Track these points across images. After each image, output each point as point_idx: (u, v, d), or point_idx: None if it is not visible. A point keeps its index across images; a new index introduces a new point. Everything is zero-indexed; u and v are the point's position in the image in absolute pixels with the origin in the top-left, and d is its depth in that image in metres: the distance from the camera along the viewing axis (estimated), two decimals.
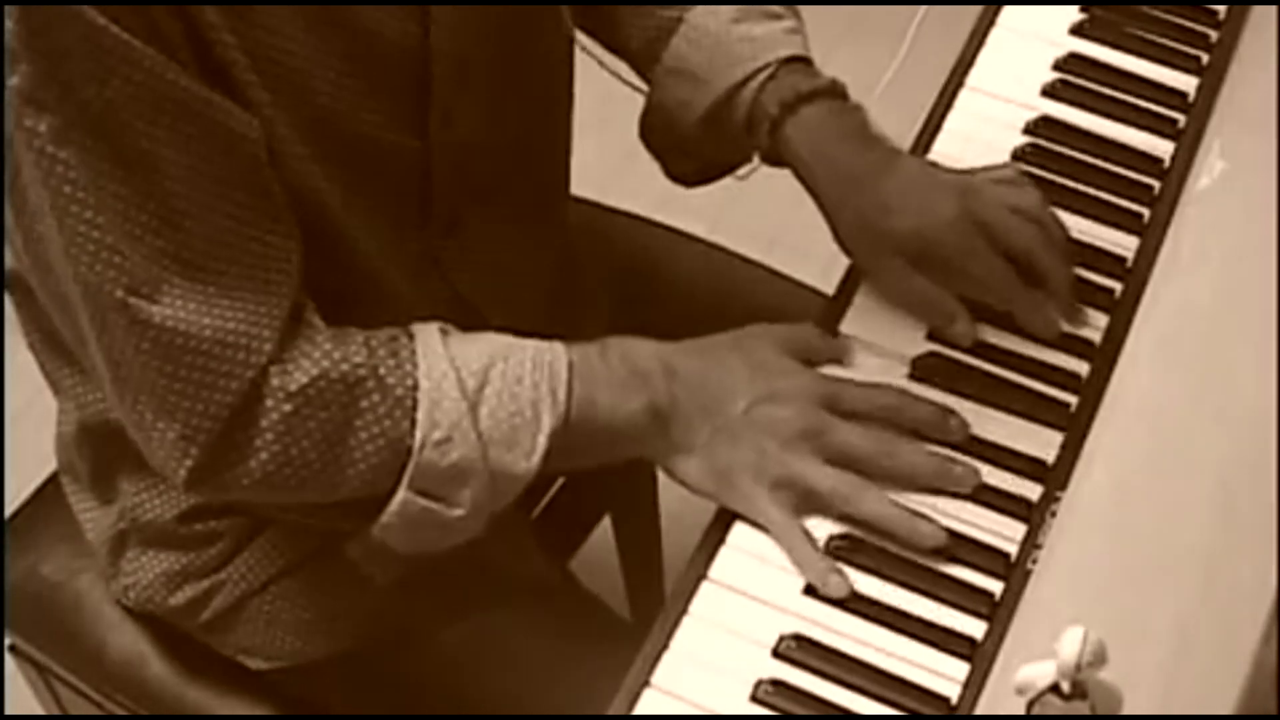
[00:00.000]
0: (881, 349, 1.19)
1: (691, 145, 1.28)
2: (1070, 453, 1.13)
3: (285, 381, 1.07)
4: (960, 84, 1.33)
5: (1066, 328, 1.19)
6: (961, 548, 1.09)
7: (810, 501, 1.10)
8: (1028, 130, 1.31)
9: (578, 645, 1.27)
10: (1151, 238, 1.24)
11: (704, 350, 1.16)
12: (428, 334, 1.12)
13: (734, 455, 1.12)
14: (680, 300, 1.46)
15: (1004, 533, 1.10)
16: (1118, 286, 1.22)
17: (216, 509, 1.25)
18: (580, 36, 1.28)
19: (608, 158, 1.66)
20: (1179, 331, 1.17)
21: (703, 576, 1.09)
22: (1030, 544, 1.09)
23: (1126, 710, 0.96)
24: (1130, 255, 1.23)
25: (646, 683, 1.05)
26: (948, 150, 1.29)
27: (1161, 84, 1.34)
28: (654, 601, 1.69)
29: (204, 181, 1.03)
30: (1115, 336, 1.18)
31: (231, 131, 1.03)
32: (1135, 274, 1.22)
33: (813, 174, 1.21)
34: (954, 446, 1.13)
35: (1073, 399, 1.16)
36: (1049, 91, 1.33)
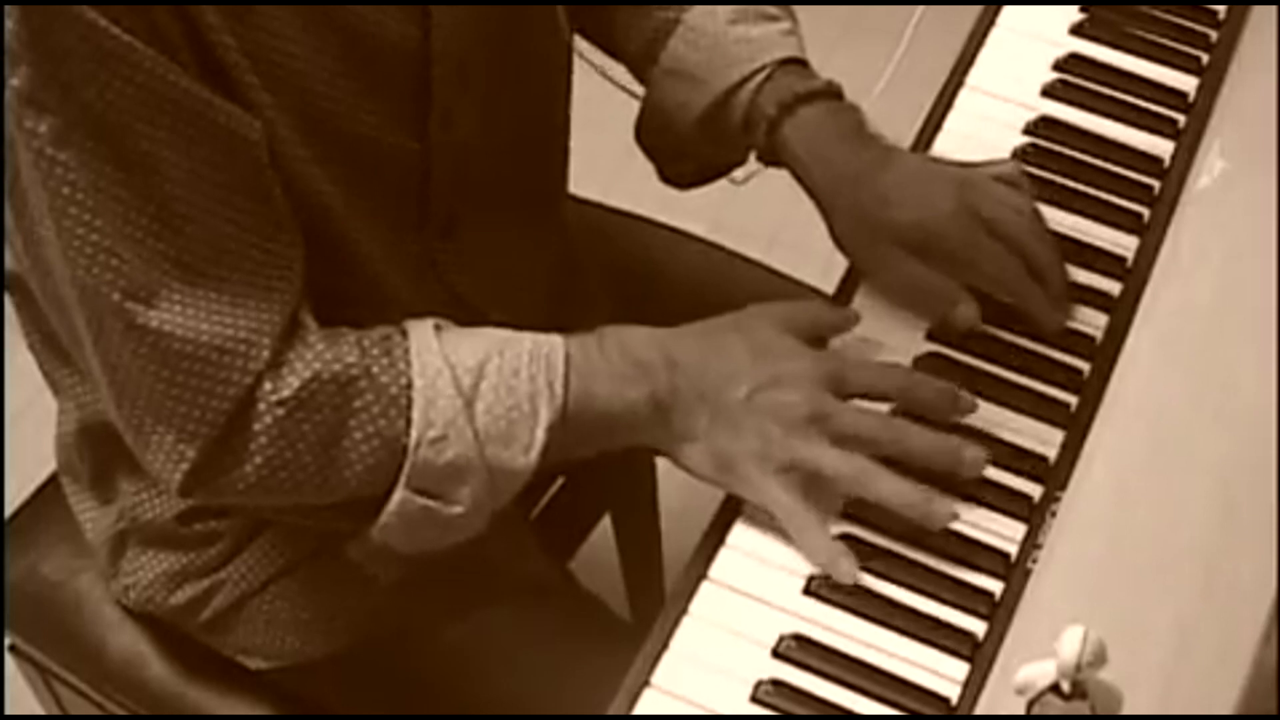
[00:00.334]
0: (881, 349, 1.18)
1: (688, 146, 1.28)
2: (1070, 452, 1.13)
3: (278, 385, 1.07)
4: (960, 84, 1.34)
5: (1070, 320, 1.19)
6: (961, 547, 1.09)
7: (818, 485, 1.09)
8: (1028, 130, 1.31)
9: (578, 645, 1.27)
10: (1151, 238, 1.24)
11: (704, 335, 1.15)
12: (422, 331, 1.11)
13: (738, 442, 1.11)
14: (680, 300, 1.45)
15: (1004, 533, 1.10)
16: (1118, 286, 1.22)
17: (216, 509, 1.25)
18: (575, 42, 1.28)
19: (608, 158, 1.65)
20: (1179, 331, 1.17)
21: (703, 576, 1.09)
22: (1030, 544, 1.09)
23: (1126, 710, 0.96)
24: (1130, 255, 1.23)
25: (646, 683, 1.05)
26: (948, 150, 1.29)
27: (1161, 84, 1.34)
28: (654, 601, 1.69)
29: (205, 185, 1.03)
30: (1115, 336, 1.18)
31: (233, 134, 1.03)
32: (1135, 274, 1.22)
33: (810, 174, 1.21)
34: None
35: (1073, 399, 1.16)
36: (1049, 91, 1.33)
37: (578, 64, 1.29)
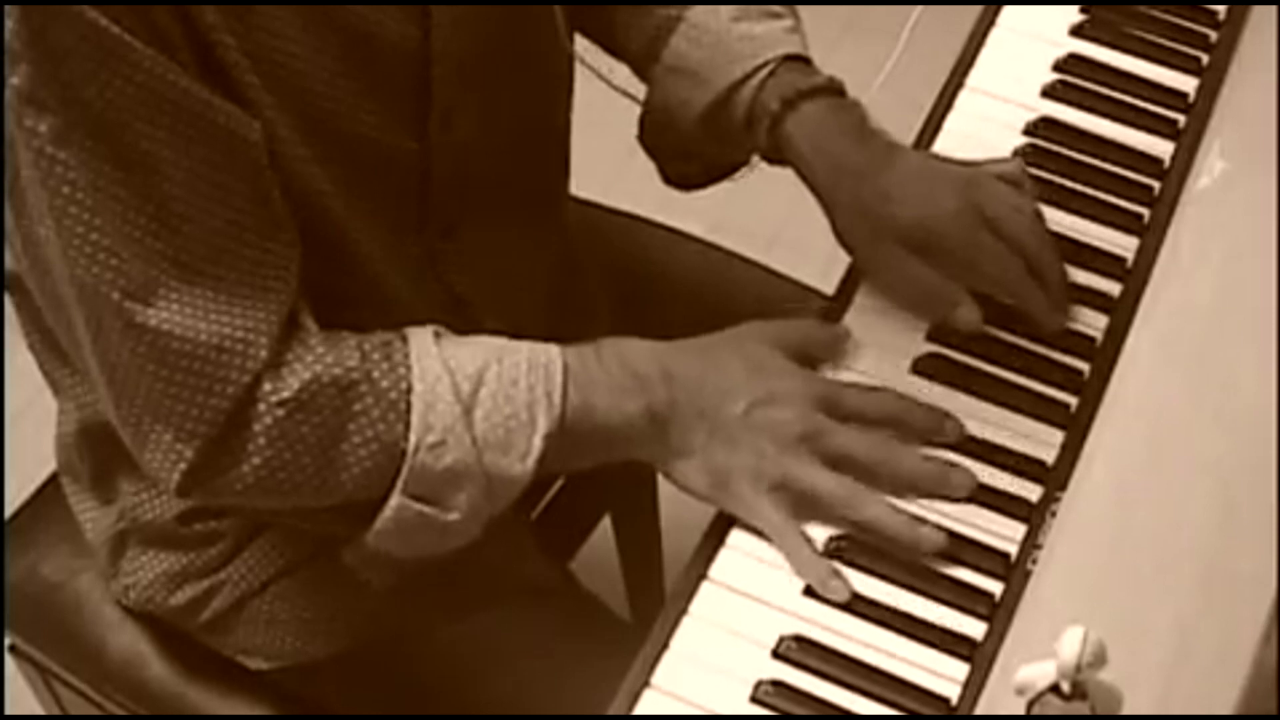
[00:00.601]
0: (882, 349, 1.19)
1: (691, 144, 1.28)
2: (1070, 453, 1.13)
3: (278, 386, 1.07)
4: (960, 84, 1.34)
5: (1070, 321, 1.19)
6: (961, 548, 1.09)
7: (808, 505, 1.10)
8: (1028, 131, 1.31)
9: (578, 645, 1.27)
10: (1151, 238, 1.24)
11: (701, 351, 1.15)
12: (421, 337, 1.11)
13: (732, 458, 1.11)
14: (680, 300, 1.46)
15: (1004, 533, 1.10)
16: (1118, 286, 1.22)
17: (216, 509, 1.25)
18: (575, 45, 1.28)
19: (608, 158, 1.65)
20: (1179, 331, 1.17)
21: (703, 576, 1.09)
22: (1030, 544, 1.09)
23: (1126, 710, 0.96)
24: (1130, 255, 1.23)
25: (646, 683, 1.05)
26: (947, 151, 1.29)
27: (1161, 84, 1.34)
28: (654, 601, 1.69)
29: (203, 185, 1.03)
30: (1115, 336, 1.18)
31: (232, 134, 1.03)
32: (1135, 274, 1.22)
33: (813, 169, 1.21)
34: (953, 447, 1.13)
35: (1073, 399, 1.16)
36: (1049, 92, 1.33)
37: (578, 66, 1.29)
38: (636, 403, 1.12)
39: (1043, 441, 1.14)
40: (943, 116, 1.31)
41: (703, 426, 1.12)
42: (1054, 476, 1.12)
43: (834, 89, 1.22)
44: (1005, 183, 1.20)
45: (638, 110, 1.29)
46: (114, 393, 1.07)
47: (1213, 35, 1.37)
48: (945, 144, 1.29)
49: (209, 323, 1.05)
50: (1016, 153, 1.29)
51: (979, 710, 1.02)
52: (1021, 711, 0.96)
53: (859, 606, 1.07)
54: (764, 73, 1.21)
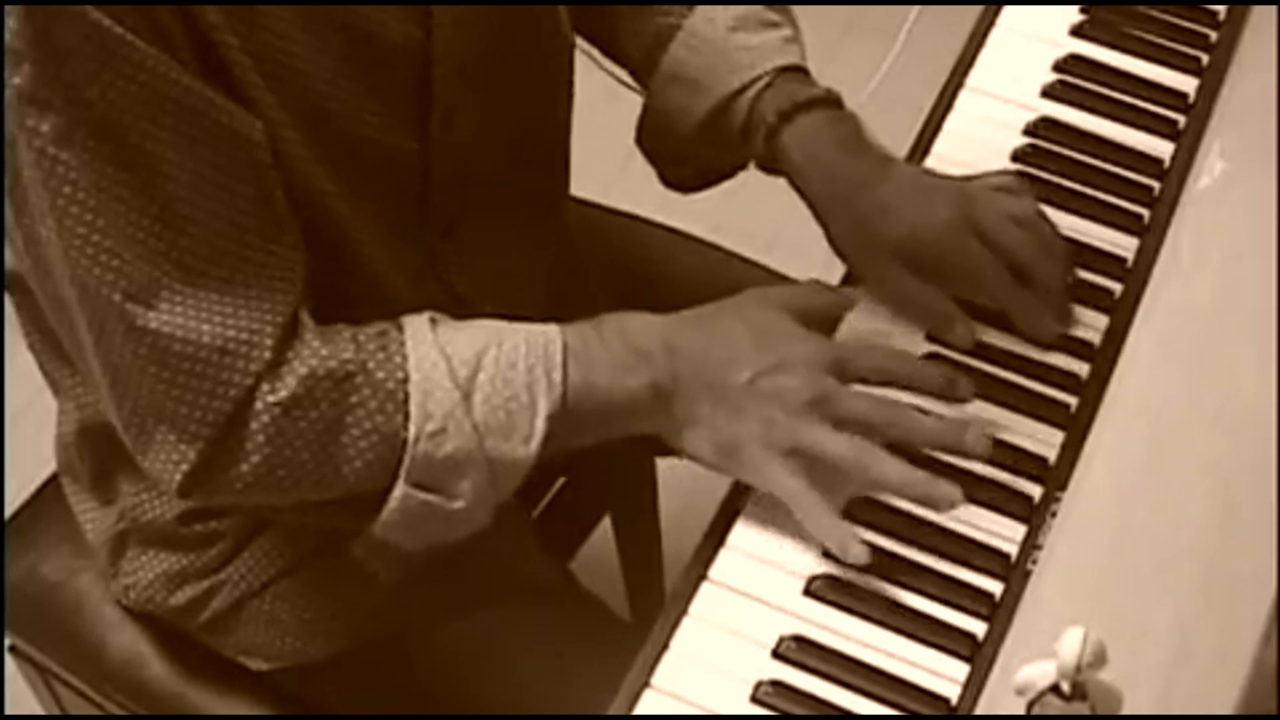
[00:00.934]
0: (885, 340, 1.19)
1: (688, 151, 1.28)
2: (1070, 453, 1.13)
3: (275, 386, 1.06)
4: (960, 84, 1.34)
5: (1065, 329, 1.19)
6: (961, 548, 1.09)
7: (822, 468, 1.09)
8: (1027, 131, 1.31)
9: (578, 645, 1.27)
10: (1151, 238, 1.24)
11: (703, 321, 1.14)
12: (417, 325, 1.11)
13: (742, 427, 1.10)
14: (680, 301, 1.45)
15: (1004, 533, 1.10)
16: (1118, 287, 1.22)
17: (216, 509, 1.25)
18: (579, 39, 1.28)
19: (608, 158, 1.65)
20: (1179, 331, 1.17)
21: (703, 577, 1.09)
22: (1030, 544, 1.09)
23: (1126, 710, 0.96)
24: (1130, 256, 1.23)
25: (646, 683, 1.05)
26: (947, 150, 1.29)
27: (1161, 84, 1.34)
28: (654, 601, 1.69)
29: (206, 185, 1.03)
30: (1115, 336, 1.18)
31: (235, 134, 1.03)
32: (1135, 274, 1.22)
33: (808, 181, 1.21)
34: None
35: (1073, 399, 1.16)
36: (1049, 92, 1.33)
37: (579, 66, 1.29)
38: (639, 378, 1.11)
39: (1043, 441, 1.14)
40: (943, 116, 1.31)
41: (707, 396, 1.11)
42: (1054, 476, 1.12)
43: (830, 101, 1.23)
44: (1003, 193, 1.20)
45: (638, 110, 1.29)
46: (116, 394, 1.07)
47: (1213, 35, 1.37)
48: (945, 144, 1.30)
49: (211, 324, 1.05)
50: (1016, 153, 1.29)
51: (979, 710, 1.02)
52: (1021, 711, 0.96)
53: (859, 606, 1.07)
54: (761, 84, 1.22)
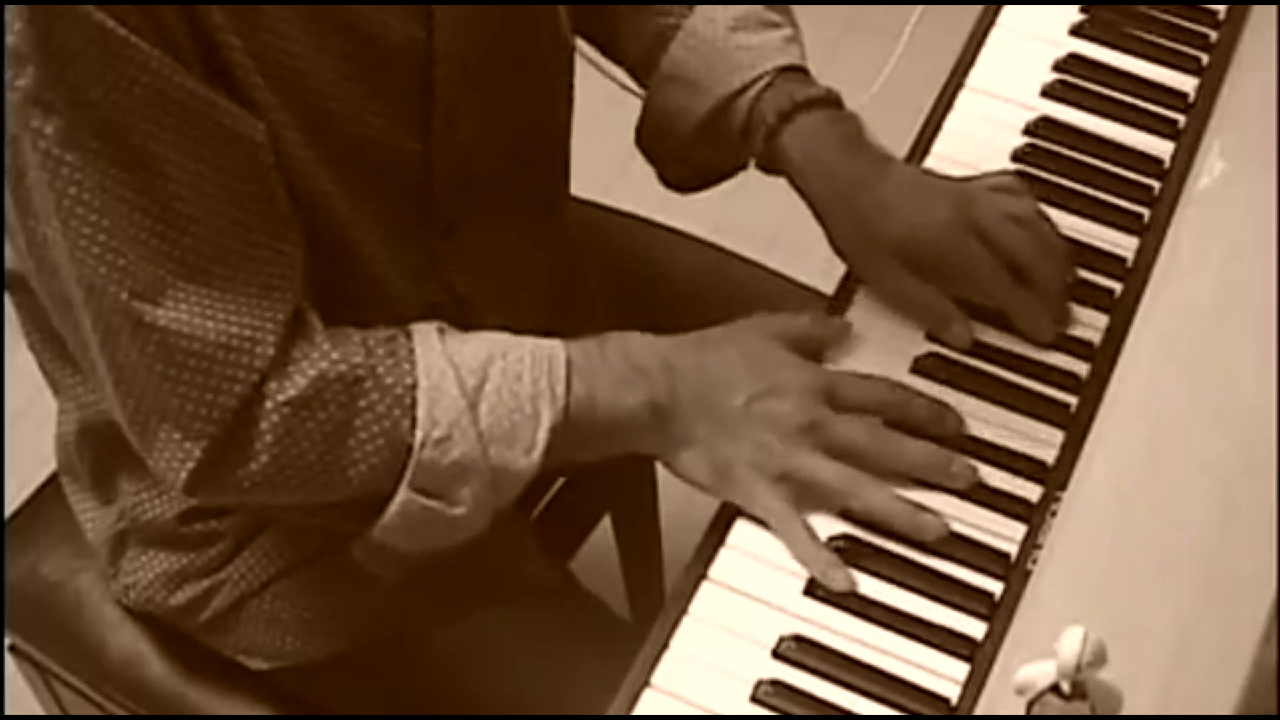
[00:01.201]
0: (882, 349, 1.19)
1: (688, 151, 1.28)
2: (1070, 453, 1.13)
3: (284, 385, 1.07)
4: (960, 84, 1.34)
5: (1065, 329, 1.19)
6: (961, 548, 1.09)
7: (811, 494, 1.10)
8: (1027, 131, 1.31)
9: (577, 645, 1.27)
10: (1151, 238, 1.24)
11: (703, 344, 1.16)
12: (425, 333, 1.12)
13: (734, 449, 1.12)
14: (680, 301, 1.46)
15: (1004, 533, 1.10)
16: (1118, 286, 1.22)
17: (216, 509, 1.25)
18: (579, 43, 1.28)
19: (608, 158, 1.65)
20: (1179, 331, 1.17)
21: (703, 576, 1.09)
22: (1030, 544, 1.09)
23: (1126, 710, 0.96)
24: (1130, 255, 1.23)
25: (646, 683, 1.05)
26: (948, 150, 1.29)
27: (1161, 84, 1.34)
28: (654, 601, 1.69)
29: (209, 185, 1.03)
30: (1115, 336, 1.18)
31: (237, 135, 1.04)
32: (1135, 274, 1.22)
33: (808, 181, 1.21)
34: (954, 446, 1.13)
35: (1073, 399, 1.16)
36: (1049, 92, 1.33)
37: (579, 66, 1.29)
38: (638, 395, 1.12)
39: (1043, 441, 1.14)
40: (943, 116, 1.31)
41: (704, 418, 1.12)
42: (1054, 476, 1.12)
43: (830, 101, 1.23)
44: (1002, 193, 1.20)
45: (638, 111, 1.29)
46: (121, 392, 1.08)
47: (1213, 35, 1.37)
48: (945, 144, 1.30)
49: (216, 322, 1.05)
50: (1016, 152, 1.29)
51: (979, 710, 1.02)
52: (1021, 711, 0.96)
53: (859, 606, 1.07)
54: (761, 84, 1.22)
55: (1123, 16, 1.37)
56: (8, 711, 1.79)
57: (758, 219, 1.94)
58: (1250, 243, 1.20)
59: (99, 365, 1.08)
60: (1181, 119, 1.32)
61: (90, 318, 1.05)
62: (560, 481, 1.49)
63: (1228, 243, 1.21)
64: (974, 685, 1.04)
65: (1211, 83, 1.33)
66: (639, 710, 1.04)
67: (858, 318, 1.21)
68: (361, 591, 1.26)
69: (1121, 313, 1.20)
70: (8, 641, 1.42)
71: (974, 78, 1.34)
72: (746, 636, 1.06)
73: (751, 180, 1.31)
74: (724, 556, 1.10)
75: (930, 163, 1.28)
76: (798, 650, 1.06)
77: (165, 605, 1.30)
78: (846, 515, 1.11)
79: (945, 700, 1.04)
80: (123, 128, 1.00)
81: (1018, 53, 1.36)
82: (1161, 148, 1.30)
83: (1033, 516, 1.10)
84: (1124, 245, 1.24)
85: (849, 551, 1.09)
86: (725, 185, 1.34)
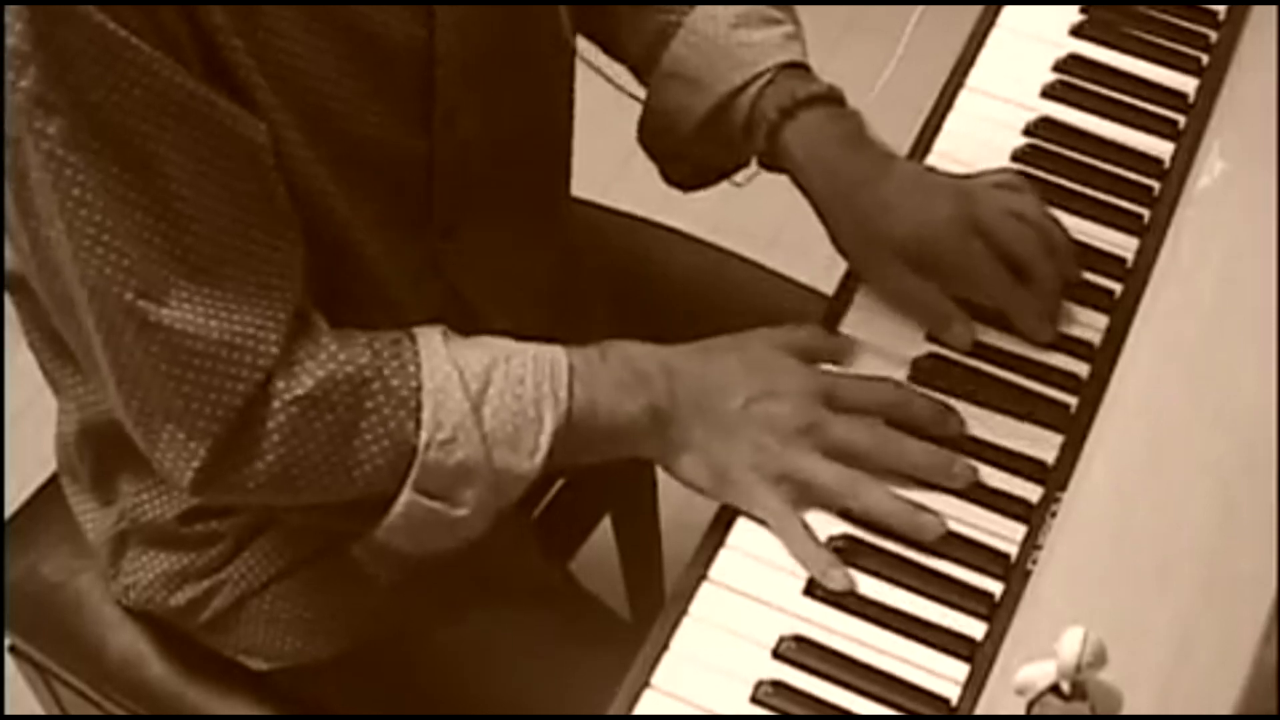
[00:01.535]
0: (882, 349, 1.19)
1: (689, 149, 1.28)
2: (1070, 453, 1.13)
3: (291, 384, 1.07)
4: (960, 84, 1.34)
5: (1066, 329, 1.19)
6: (961, 548, 1.09)
7: (810, 496, 1.11)
8: (1027, 131, 1.31)
9: (577, 646, 1.27)
10: (1151, 238, 1.24)
11: (702, 350, 1.16)
12: (429, 336, 1.12)
13: (733, 452, 1.12)
14: (680, 301, 1.46)
15: (1004, 533, 1.10)
16: (1118, 287, 1.22)
17: (217, 509, 1.25)
18: (581, 42, 1.28)
19: (608, 159, 1.66)
20: (1179, 331, 1.17)
21: (703, 577, 1.09)
22: (1030, 544, 1.09)
23: (1126, 710, 0.96)
24: (1130, 256, 1.23)
25: (646, 683, 1.05)
26: (948, 150, 1.29)
27: (1161, 84, 1.34)
28: (654, 601, 1.69)
29: (210, 185, 1.03)
30: (1115, 336, 1.18)
31: (238, 135, 1.04)
32: (1135, 274, 1.22)
33: (810, 178, 1.21)
34: (954, 447, 1.13)
35: (1073, 399, 1.16)
36: (1049, 92, 1.33)
37: (579, 66, 1.29)
38: (638, 400, 1.12)
39: (1043, 441, 1.14)
40: (943, 116, 1.31)
41: (702, 421, 1.13)
42: (1054, 476, 1.12)
43: (832, 97, 1.23)
44: (1004, 190, 1.20)
45: (638, 111, 1.29)
46: (125, 392, 1.08)
47: (1213, 35, 1.37)
48: (945, 144, 1.30)
49: (220, 320, 1.05)
50: (1016, 152, 1.29)
51: (979, 710, 1.02)
52: (1021, 711, 0.96)
53: (859, 606, 1.07)
54: (762, 81, 1.22)
55: (1123, 17, 1.37)
56: (8, 711, 1.79)
57: (758, 219, 1.94)
58: (1250, 243, 1.20)
59: (102, 365, 1.08)
60: (1181, 119, 1.31)
61: (93, 318, 1.05)
62: (560, 482, 1.49)
63: (1228, 243, 1.21)
64: (974, 685, 1.04)
65: (1211, 83, 1.33)
66: (639, 710, 1.04)
67: (858, 318, 1.21)
68: (361, 591, 1.26)
69: (1121, 313, 1.20)
70: (8, 641, 1.42)
71: (974, 78, 1.34)
72: (746, 637, 1.07)
73: (752, 181, 1.31)
74: (724, 557, 1.10)
75: (930, 162, 1.28)
76: (798, 650, 1.06)
77: (165, 605, 1.30)
78: (846, 515, 1.11)
79: (945, 700, 1.04)
80: (124, 129, 1.00)
81: (1018, 53, 1.36)
82: (1161, 148, 1.30)
83: (1033, 516, 1.10)
84: (1124, 246, 1.24)
85: (848, 551, 1.09)
86: (725, 185, 1.34)
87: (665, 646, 1.06)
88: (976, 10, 1.39)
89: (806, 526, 1.10)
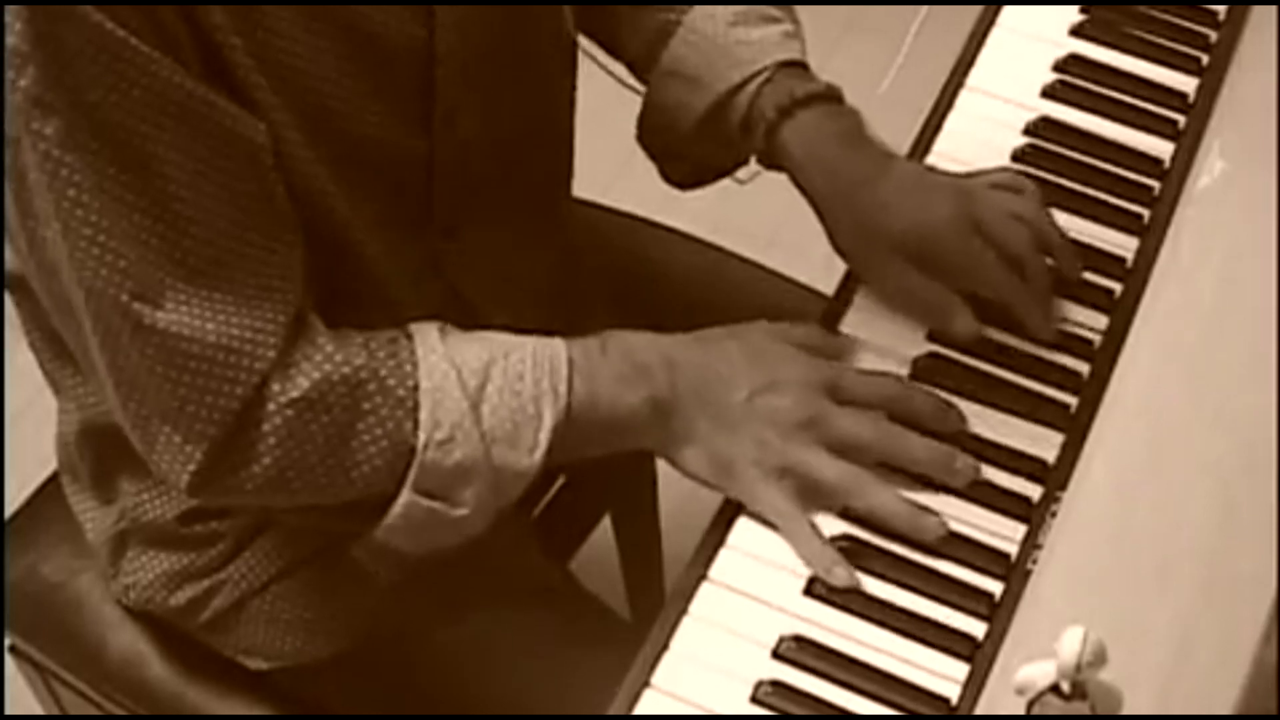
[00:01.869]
0: (882, 349, 1.19)
1: (688, 147, 1.28)
2: (1070, 453, 1.13)
3: (287, 386, 1.07)
4: (960, 84, 1.34)
5: (1066, 328, 1.19)
6: (961, 548, 1.09)
7: (812, 491, 1.10)
8: (1027, 131, 1.31)
9: (577, 645, 1.27)
10: (1151, 238, 1.24)
11: (703, 341, 1.16)
12: (426, 334, 1.12)
13: (735, 445, 1.12)
14: (680, 301, 1.46)
15: (1004, 533, 1.10)
16: (1118, 287, 1.22)
17: (217, 510, 1.25)
18: (582, 39, 1.28)
19: (608, 158, 1.65)
20: (1179, 331, 1.17)
21: (703, 576, 1.09)
22: (1030, 544, 1.09)
23: (1126, 710, 0.96)
24: (1130, 256, 1.23)
25: (646, 683, 1.05)
26: (948, 150, 1.29)
27: (1161, 84, 1.34)
28: (654, 601, 1.69)
29: (209, 186, 1.03)
30: (1115, 336, 1.18)
31: (238, 136, 1.04)
32: (1135, 274, 1.22)
33: (809, 177, 1.21)
34: (955, 445, 1.13)
35: (1073, 399, 1.16)
36: (1049, 92, 1.33)
37: (580, 67, 1.29)
38: (639, 392, 1.12)
39: (1043, 440, 1.14)
40: (943, 116, 1.31)
41: (705, 413, 1.12)
42: (1054, 476, 1.12)
43: (831, 96, 1.23)
44: (1004, 189, 1.20)
45: (638, 110, 1.29)
46: (122, 394, 1.08)
47: (1213, 35, 1.37)
48: (945, 144, 1.30)
49: (216, 323, 1.05)
50: (1016, 152, 1.29)
51: (979, 710, 1.02)
52: (1021, 711, 0.96)
53: (859, 606, 1.07)
54: (760, 79, 1.22)
55: (1123, 16, 1.37)
56: (8, 711, 1.79)
57: (757, 219, 1.94)
58: (1250, 243, 1.20)
59: (99, 367, 1.08)
60: (1181, 119, 1.32)
61: (90, 319, 1.05)
62: (560, 482, 1.49)
63: (1228, 243, 1.21)
64: (974, 685, 1.04)
65: (1211, 83, 1.33)
66: (639, 710, 1.04)
67: (858, 317, 1.21)
68: (361, 591, 1.26)
69: (1121, 313, 1.20)
70: (8, 641, 1.42)
71: (974, 78, 1.34)
72: (746, 636, 1.06)
73: (754, 178, 1.31)
74: (724, 556, 1.10)
75: (930, 162, 1.28)
76: (798, 650, 1.06)
77: (165, 605, 1.30)
78: (847, 515, 1.11)
79: (945, 700, 1.04)
80: (123, 129, 1.00)
81: (1018, 53, 1.36)
82: (1161, 148, 1.30)
83: (1033, 516, 1.10)
84: (1124, 245, 1.24)
85: (849, 551, 1.09)
86: (725, 184, 1.34)
87: (665, 646, 1.06)
88: (977, 10, 1.39)
89: (810, 523, 1.09)
